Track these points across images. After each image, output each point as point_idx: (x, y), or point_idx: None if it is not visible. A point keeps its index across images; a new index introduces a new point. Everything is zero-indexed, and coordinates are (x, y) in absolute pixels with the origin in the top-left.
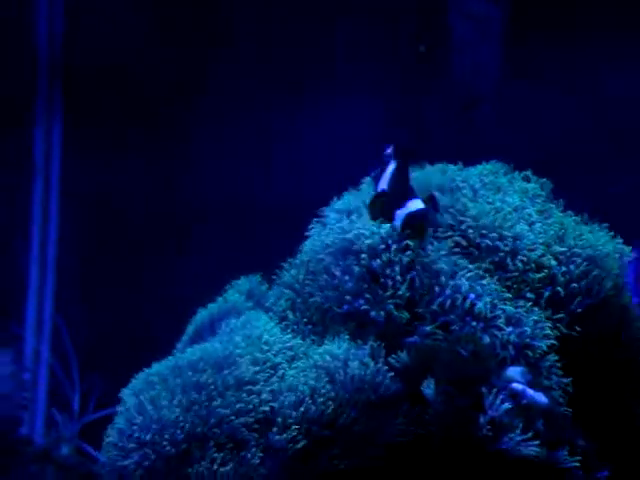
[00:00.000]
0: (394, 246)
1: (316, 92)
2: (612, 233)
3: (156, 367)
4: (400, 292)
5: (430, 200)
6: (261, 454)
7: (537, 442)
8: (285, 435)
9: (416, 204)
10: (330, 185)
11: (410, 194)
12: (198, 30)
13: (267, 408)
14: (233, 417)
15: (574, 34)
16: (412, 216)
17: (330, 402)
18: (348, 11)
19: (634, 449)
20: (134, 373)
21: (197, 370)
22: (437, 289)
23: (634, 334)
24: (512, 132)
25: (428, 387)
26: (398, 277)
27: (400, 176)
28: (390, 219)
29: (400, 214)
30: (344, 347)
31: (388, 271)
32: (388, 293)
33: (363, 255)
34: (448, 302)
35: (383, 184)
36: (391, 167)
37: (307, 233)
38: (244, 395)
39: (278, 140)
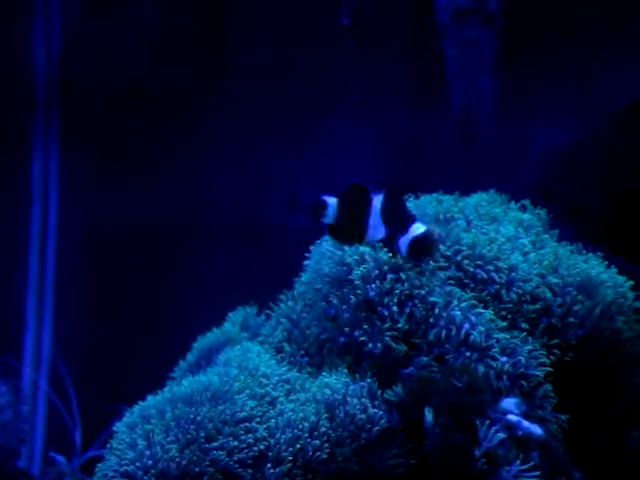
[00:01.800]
0: (390, 275)
1: (320, 117)
2: (606, 262)
3: (152, 400)
4: (399, 325)
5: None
6: None
7: (535, 473)
8: (279, 469)
9: (418, 227)
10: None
11: (409, 219)
12: (200, 53)
13: (262, 447)
14: (228, 455)
15: (569, 55)
16: (419, 239)
17: (328, 441)
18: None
19: (629, 475)
20: (131, 404)
21: (193, 404)
22: (432, 320)
23: (626, 357)
24: (512, 156)
25: (428, 417)
26: (395, 308)
27: (392, 204)
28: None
29: (404, 240)
30: (342, 381)
31: (385, 301)
32: (386, 325)
33: (357, 282)
34: (443, 333)
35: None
36: (379, 199)
37: (305, 263)
38: (241, 432)
39: (281, 161)
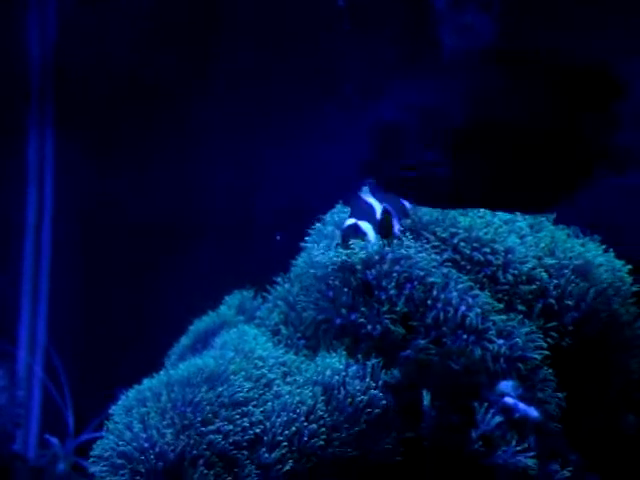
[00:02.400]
0: (389, 256)
1: (317, 108)
2: (604, 246)
3: (148, 383)
4: (397, 308)
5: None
6: (253, 472)
7: (530, 454)
8: (275, 454)
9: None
10: (325, 197)
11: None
12: (195, 42)
13: (258, 430)
14: (224, 438)
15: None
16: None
17: (325, 425)
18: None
19: (624, 458)
20: (127, 387)
21: (190, 387)
22: (429, 302)
23: (624, 341)
24: None
25: (425, 400)
26: (393, 291)
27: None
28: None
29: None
30: (344, 362)
31: (383, 283)
32: (384, 308)
33: (358, 267)
34: (440, 315)
35: (375, 205)
36: (365, 190)
37: (303, 245)
38: (237, 415)
39: (275, 150)
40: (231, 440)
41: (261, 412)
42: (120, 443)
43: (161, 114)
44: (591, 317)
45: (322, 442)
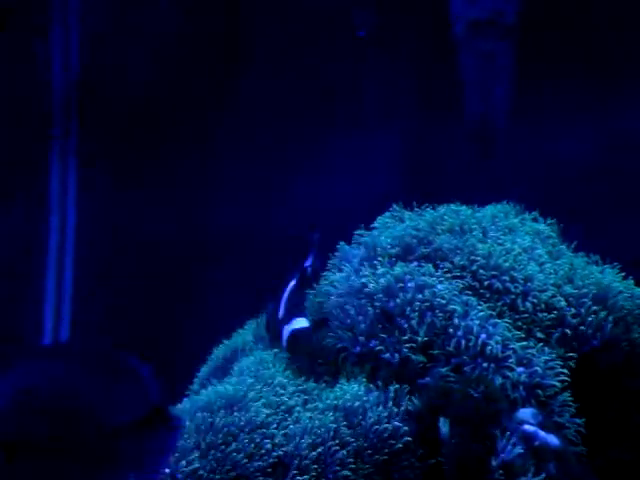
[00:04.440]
0: (411, 284)
1: (332, 127)
2: (623, 273)
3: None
4: (418, 336)
5: (322, 323)
6: None
7: None
8: (303, 478)
9: (301, 322)
10: (348, 221)
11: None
12: (215, 63)
13: (281, 452)
14: (247, 461)
15: (584, 67)
16: (294, 335)
17: (349, 447)
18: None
19: None
20: None
21: (211, 414)
22: (450, 330)
23: None
24: (524, 166)
25: (443, 427)
26: (415, 320)
27: (298, 293)
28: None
29: (286, 330)
30: (363, 389)
31: (407, 311)
32: (405, 336)
33: (379, 295)
34: (460, 343)
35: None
36: (291, 284)
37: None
38: (257, 439)
39: (294, 174)
40: (255, 465)
41: (283, 435)
42: None
43: (181, 139)
44: (611, 345)
45: (348, 472)
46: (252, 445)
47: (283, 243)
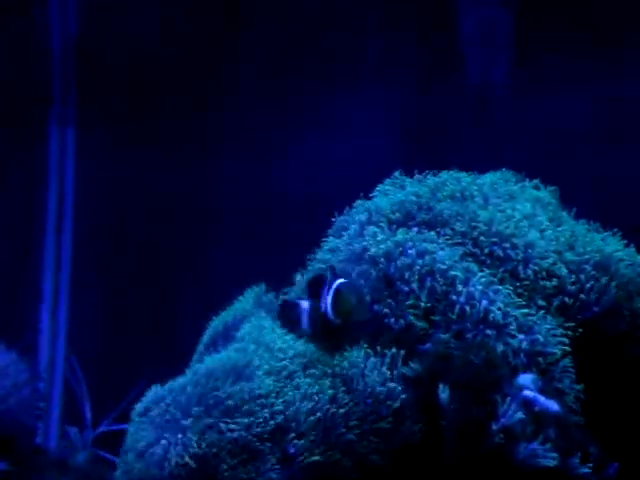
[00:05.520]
0: (412, 251)
1: (333, 91)
2: (625, 241)
3: (170, 383)
4: (420, 302)
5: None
6: (276, 464)
7: (553, 453)
8: (302, 442)
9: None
10: (347, 189)
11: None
12: (215, 28)
13: (281, 419)
14: (248, 430)
15: (584, 36)
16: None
17: (347, 413)
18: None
19: None
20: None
21: (213, 381)
22: (452, 296)
23: None
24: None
25: (443, 393)
26: (415, 284)
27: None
28: None
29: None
30: (362, 354)
31: (406, 276)
32: (409, 302)
33: (380, 260)
34: (462, 309)
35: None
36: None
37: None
38: (259, 407)
39: (295, 140)
40: (254, 432)
41: (282, 402)
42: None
43: (181, 105)
44: (612, 312)
45: (343, 431)
46: (253, 413)
47: (283, 208)
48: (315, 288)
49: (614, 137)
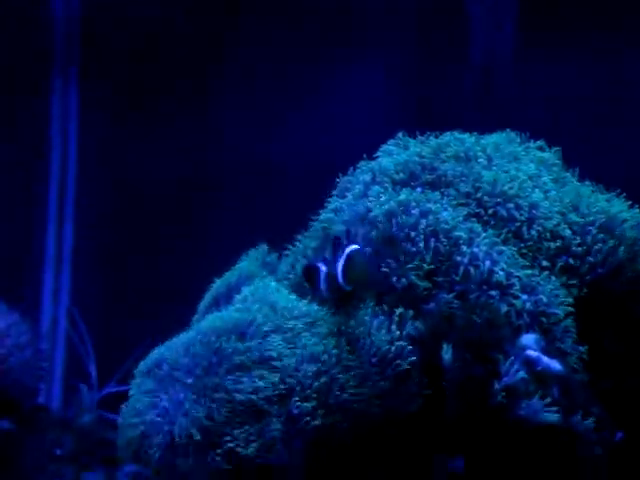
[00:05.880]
0: (414, 211)
1: (333, 61)
2: (630, 202)
3: (173, 341)
4: (424, 262)
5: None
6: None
7: (554, 409)
8: (305, 405)
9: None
10: (348, 153)
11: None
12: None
13: (292, 380)
14: (255, 390)
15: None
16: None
17: (352, 374)
18: None
19: None
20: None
21: (216, 338)
22: (455, 257)
23: None
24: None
25: (446, 353)
26: (421, 244)
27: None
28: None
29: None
30: (369, 312)
31: (412, 235)
32: (413, 262)
33: (383, 219)
34: (466, 270)
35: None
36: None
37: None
38: (266, 368)
39: (294, 106)
40: (261, 395)
41: (289, 364)
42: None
43: (183, 74)
44: (616, 273)
45: (348, 395)
46: (260, 376)
47: (283, 177)
48: (331, 252)
49: (620, 120)
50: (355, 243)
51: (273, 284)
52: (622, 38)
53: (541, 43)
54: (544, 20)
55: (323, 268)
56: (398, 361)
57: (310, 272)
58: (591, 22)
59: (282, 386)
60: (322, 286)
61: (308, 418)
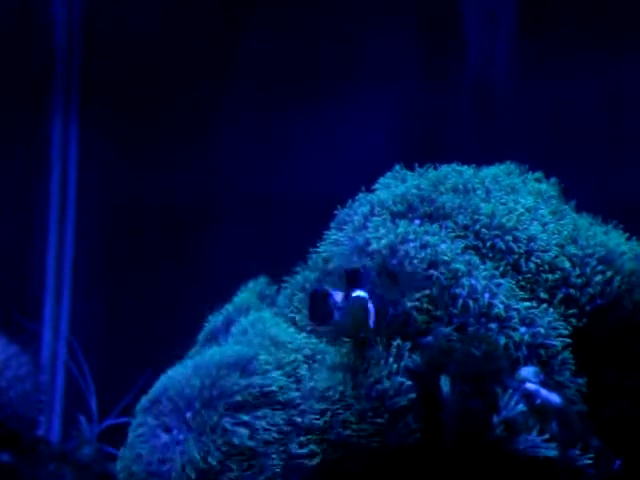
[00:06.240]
0: (413, 244)
1: (333, 88)
2: (627, 234)
3: (171, 374)
4: (422, 294)
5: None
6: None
7: (553, 444)
8: (305, 443)
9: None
10: (347, 185)
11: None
12: (217, 20)
13: (295, 418)
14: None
15: (587, 27)
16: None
17: (353, 410)
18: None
19: None
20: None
21: (217, 372)
22: (454, 289)
23: None
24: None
25: (445, 386)
26: (419, 276)
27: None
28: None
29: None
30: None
31: (410, 267)
32: (409, 294)
33: (384, 252)
34: (464, 303)
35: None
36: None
37: (325, 236)
38: (267, 405)
39: (295, 137)
40: (261, 437)
41: (289, 399)
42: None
43: (183, 98)
44: (614, 305)
45: (350, 432)
46: (260, 415)
47: (283, 207)
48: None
49: (620, 135)
50: (367, 282)
51: (271, 316)
52: (623, 55)
53: (540, 68)
54: (544, 44)
55: (338, 296)
56: (397, 399)
57: (318, 299)
58: (592, 38)
59: (284, 424)
60: (336, 315)
61: (308, 457)
